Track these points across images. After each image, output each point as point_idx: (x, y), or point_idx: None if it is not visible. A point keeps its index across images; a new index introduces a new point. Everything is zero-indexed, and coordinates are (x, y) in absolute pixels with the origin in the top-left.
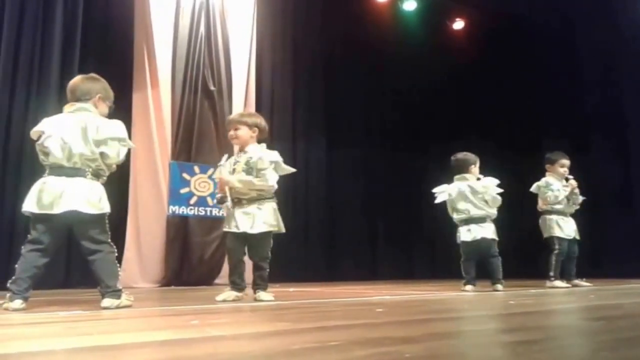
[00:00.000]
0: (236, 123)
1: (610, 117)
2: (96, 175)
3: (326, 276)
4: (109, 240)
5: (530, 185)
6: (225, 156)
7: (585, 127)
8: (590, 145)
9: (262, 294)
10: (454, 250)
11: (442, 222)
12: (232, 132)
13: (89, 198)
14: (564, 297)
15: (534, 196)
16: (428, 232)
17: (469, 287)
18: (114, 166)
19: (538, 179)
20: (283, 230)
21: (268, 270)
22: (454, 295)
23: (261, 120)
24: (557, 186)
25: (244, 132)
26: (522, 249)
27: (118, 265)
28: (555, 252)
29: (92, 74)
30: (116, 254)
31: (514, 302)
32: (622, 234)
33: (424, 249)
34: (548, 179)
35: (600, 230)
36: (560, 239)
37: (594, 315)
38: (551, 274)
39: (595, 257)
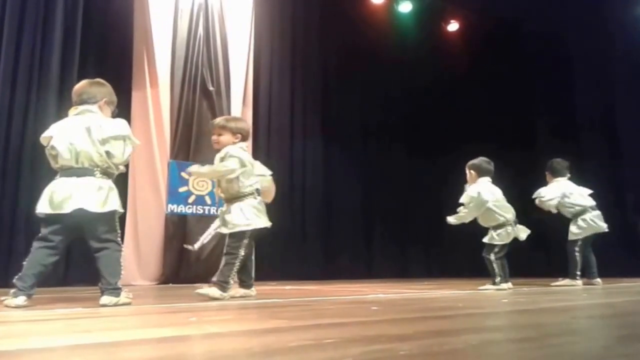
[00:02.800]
0: (220, 128)
1: (603, 120)
2: (105, 174)
3: (322, 274)
4: (117, 238)
5: (526, 186)
6: None
7: (579, 127)
8: (583, 147)
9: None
10: (448, 250)
11: (437, 221)
12: (214, 137)
13: (96, 196)
14: (557, 296)
15: (531, 197)
16: (423, 232)
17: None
18: (122, 167)
19: (533, 180)
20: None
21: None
22: (448, 293)
23: (245, 125)
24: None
25: (226, 138)
26: (515, 248)
27: (122, 264)
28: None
29: (98, 79)
30: (122, 253)
31: (508, 300)
32: (613, 234)
33: (418, 248)
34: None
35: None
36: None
37: (588, 314)
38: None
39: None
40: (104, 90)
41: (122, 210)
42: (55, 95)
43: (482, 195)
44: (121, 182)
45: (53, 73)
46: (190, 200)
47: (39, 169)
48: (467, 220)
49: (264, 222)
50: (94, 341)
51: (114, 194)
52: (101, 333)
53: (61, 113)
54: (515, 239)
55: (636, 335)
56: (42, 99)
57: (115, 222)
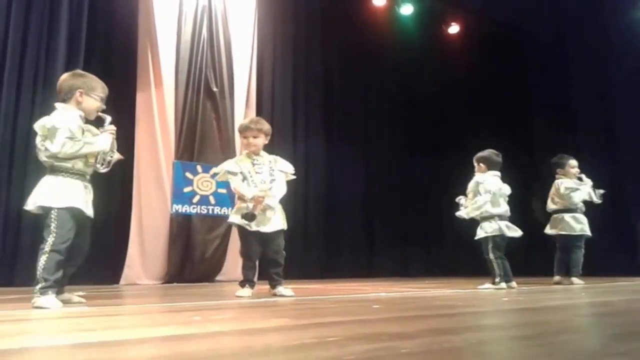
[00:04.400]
0: (256, 132)
1: (602, 119)
2: (58, 170)
3: (323, 273)
4: (48, 237)
5: (521, 185)
6: (233, 163)
7: (577, 128)
8: (582, 146)
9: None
10: (449, 249)
11: (438, 220)
12: (251, 140)
13: (34, 194)
14: (556, 294)
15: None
16: (424, 230)
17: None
18: (80, 162)
19: (530, 180)
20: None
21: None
22: (450, 292)
23: (270, 127)
24: (576, 186)
25: (261, 140)
26: (515, 247)
27: (41, 265)
28: (579, 249)
29: (77, 70)
30: (44, 252)
31: (508, 298)
32: (611, 232)
33: (419, 246)
34: (565, 181)
35: (590, 227)
36: (576, 236)
37: (586, 312)
38: (579, 270)
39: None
40: (78, 81)
41: (57, 207)
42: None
43: (486, 185)
44: (126, 182)
45: (58, 76)
46: (195, 200)
47: (45, 169)
48: (482, 209)
49: None
50: (98, 340)
51: (47, 189)
52: (105, 332)
53: None
54: (514, 240)
55: (633, 333)
56: (47, 101)
57: (49, 218)
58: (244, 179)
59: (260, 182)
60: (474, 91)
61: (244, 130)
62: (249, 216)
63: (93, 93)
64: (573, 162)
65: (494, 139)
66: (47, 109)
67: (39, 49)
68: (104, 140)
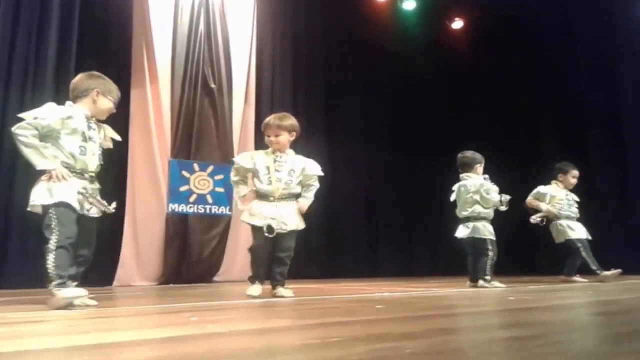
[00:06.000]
0: (276, 129)
1: (608, 118)
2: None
3: (326, 273)
4: (50, 236)
5: (527, 185)
6: (247, 157)
7: (583, 126)
8: (588, 145)
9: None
10: (454, 248)
11: (442, 219)
12: (272, 138)
13: (32, 193)
14: (563, 293)
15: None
16: (428, 230)
17: (468, 283)
18: (80, 162)
19: (536, 179)
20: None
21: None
22: (453, 291)
23: (296, 122)
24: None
25: (284, 137)
26: (519, 246)
27: (51, 264)
28: (581, 250)
29: (93, 72)
30: (50, 251)
31: (514, 298)
32: (619, 231)
33: (424, 246)
34: (539, 188)
35: (598, 227)
36: (578, 239)
37: (593, 311)
38: (594, 267)
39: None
40: (96, 82)
41: (44, 203)
42: (51, 94)
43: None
44: (120, 181)
45: (49, 71)
46: (192, 199)
47: (34, 169)
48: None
49: None
50: (93, 342)
51: (36, 189)
52: (100, 334)
53: None
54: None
55: None
56: (38, 97)
57: (48, 218)
58: (257, 175)
59: (276, 180)
60: (479, 88)
61: (265, 128)
62: (270, 229)
63: (109, 95)
64: (575, 172)
65: (498, 136)
66: (37, 106)
67: (29, 42)
68: (43, 162)
